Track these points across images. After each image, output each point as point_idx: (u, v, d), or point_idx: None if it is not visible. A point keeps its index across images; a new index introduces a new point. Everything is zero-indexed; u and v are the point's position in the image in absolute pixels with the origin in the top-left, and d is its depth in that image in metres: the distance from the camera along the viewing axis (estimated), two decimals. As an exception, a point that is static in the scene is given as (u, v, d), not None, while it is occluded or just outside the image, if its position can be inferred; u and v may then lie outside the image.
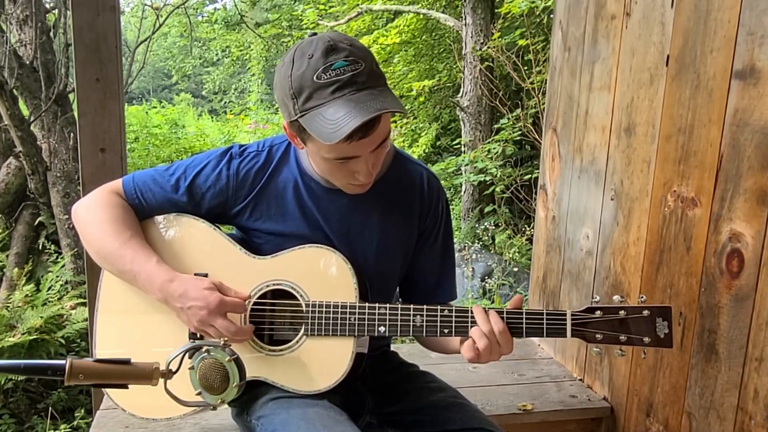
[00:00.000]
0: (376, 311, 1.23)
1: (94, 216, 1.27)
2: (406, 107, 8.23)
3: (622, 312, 1.18)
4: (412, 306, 1.23)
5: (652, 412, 1.69)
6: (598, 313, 1.19)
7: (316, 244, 1.28)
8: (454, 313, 1.21)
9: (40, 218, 3.96)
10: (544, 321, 1.19)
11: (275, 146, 1.34)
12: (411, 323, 1.23)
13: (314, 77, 1.08)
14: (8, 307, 3.10)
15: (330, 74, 1.07)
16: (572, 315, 1.20)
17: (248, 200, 1.31)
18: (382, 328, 1.23)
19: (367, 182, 1.22)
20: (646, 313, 1.17)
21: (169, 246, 1.32)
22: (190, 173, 1.30)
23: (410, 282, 1.44)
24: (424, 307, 1.23)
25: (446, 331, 1.22)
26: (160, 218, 1.33)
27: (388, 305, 1.23)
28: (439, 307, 1.23)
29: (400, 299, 1.49)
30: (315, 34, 1.14)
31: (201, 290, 1.20)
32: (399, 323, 1.23)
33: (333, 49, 1.09)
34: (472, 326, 1.20)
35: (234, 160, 1.31)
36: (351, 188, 1.25)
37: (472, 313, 1.20)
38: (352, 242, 1.32)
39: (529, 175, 5.82)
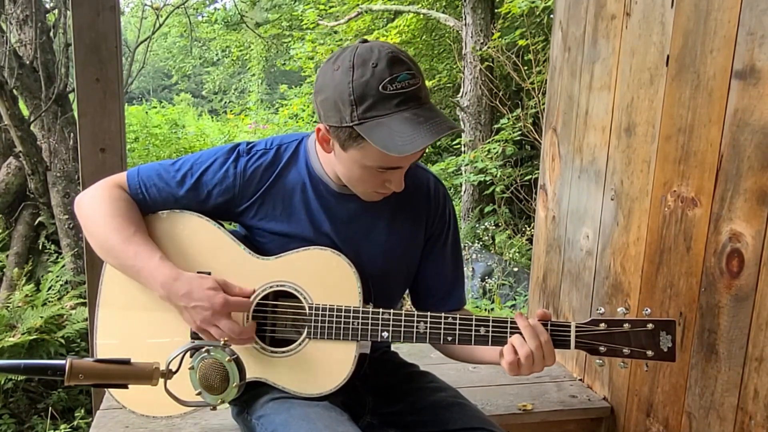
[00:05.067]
0: (380, 316, 1.23)
1: (98, 209, 1.27)
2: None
3: (626, 325, 1.17)
4: (416, 312, 1.23)
5: (652, 412, 1.69)
6: (602, 325, 1.18)
7: (320, 246, 1.27)
8: (458, 321, 1.21)
9: (40, 218, 3.96)
10: (548, 332, 1.19)
11: (284, 146, 1.33)
12: (414, 330, 1.23)
13: (380, 87, 1.09)
14: (8, 307, 3.10)
15: (396, 86, 1.10)
16: (576, 327, 1.19)
17: (254, 199, 1.30)
18: (385, 334, 1.23)
19: (398, 191, 1.24)
20: (650, 326, 1.16)
21: (173, 242, 1.31)
22: (196, 170, 1.29)
23: (423, 290, 1.43)
24: (428, 313, 1.23)
25: (449, 338, 1.22)
26: (164, 214, 1.33)
27: (392, 311, 1.23)
28: (443, 314, 1.22)
29: (403, 306, 1.48)
30: (365, 41, 1.15)
31: (205, 290, 1.19)
32: (402, 329, 1.23)
33: (397, 60, 1.11)
34: (476, 335, 1.20)
35: (242, 158, 1.30)
36: (375, 196, 1.26)
37: (475, 320, 1.21)
38: (358, 245, 1.31)
39: (529, 175, 5.82)
